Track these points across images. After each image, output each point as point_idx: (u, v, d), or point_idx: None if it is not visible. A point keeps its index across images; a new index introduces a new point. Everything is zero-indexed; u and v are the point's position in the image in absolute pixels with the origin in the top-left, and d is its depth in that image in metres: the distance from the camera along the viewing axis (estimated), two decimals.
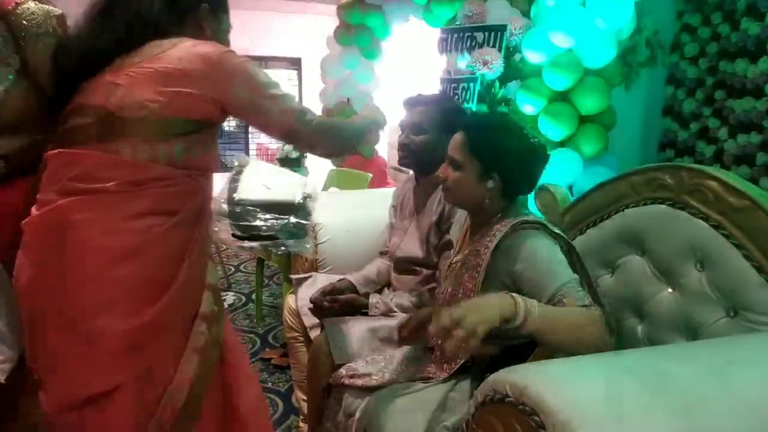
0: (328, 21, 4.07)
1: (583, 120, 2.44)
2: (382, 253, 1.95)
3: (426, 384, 1.31)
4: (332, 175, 3.69)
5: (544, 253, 1.20)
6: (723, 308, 1.19)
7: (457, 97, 2.69)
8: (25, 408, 1.13)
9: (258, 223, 2.00)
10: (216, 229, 1.97)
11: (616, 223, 1.44)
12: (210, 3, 1.21)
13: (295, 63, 6.52)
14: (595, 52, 2.29)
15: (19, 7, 1.29)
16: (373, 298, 1.74)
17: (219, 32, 1.25)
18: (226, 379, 1.23)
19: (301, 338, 1.93)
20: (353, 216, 2.21)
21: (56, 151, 1.10)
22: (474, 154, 1.29)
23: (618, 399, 0.80)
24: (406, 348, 1.51)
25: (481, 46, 2.64)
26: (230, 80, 1.11)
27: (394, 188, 2.13)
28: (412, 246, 1.76)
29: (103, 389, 1.06)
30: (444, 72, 2.90)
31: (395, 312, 1.69)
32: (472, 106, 2.65)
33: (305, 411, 1.88)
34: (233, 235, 2.03)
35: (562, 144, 2.45)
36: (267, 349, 2.82)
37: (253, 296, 3.38)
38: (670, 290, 1.31)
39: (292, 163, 4.44)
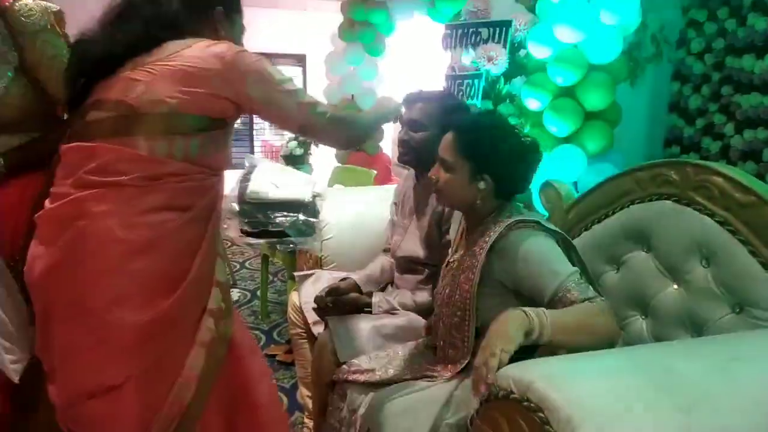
0: (332, 17, 4.06)
1: (589, 116, 2.43)
2: (386, 251, 1.95)
3: (430, 382, 1.31)
4: (336, 171, 3.69)
5: (541, 251, 1.20)
6: (728, 304, 1.19)
7: (461, 93, 2.68)
8: (46, 403, 1.14)
9: (267, 219, 2.04)
10: (225, 226, 2.00)
11: (621, 220, 1.44)
12: (224, 5, 1.24)
13: (299, 60, 6.52)
14: (601, 48, 2.28)
15: (17, 4, 1.29)
16: (376, 297, 1.74)
17: (233, 33, 1.27)
18: (236, 375, 1.24)
19: (305, 335, 1.93)
20: (357, 213, 2.21)
21: (73, 144, 1.11)
22: (464, 155, 1.28)
23: (623, 395, 0.80)
24: (409, 345, 1.51)
25: (485, 41, 2.63)
26: (245, 79, 1.14)
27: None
28: (412, 245, 1.76)
29: (113, 382, 1.07)
30: (448, 68, 2.89)
31: (398, 310, 1.69)
32: (477, 102, 2.65)
33: (310, 407, 1.89)
34: (242, 230, 2.08)
35: (567, 140, 2.44)
36: (272, 346, 2.83)
37: (258, 293, 3.39)
38: (675, 286, 1.31)
39: (297, 160, 4.44)
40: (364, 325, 1.61)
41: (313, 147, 4.51)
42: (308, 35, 5.85)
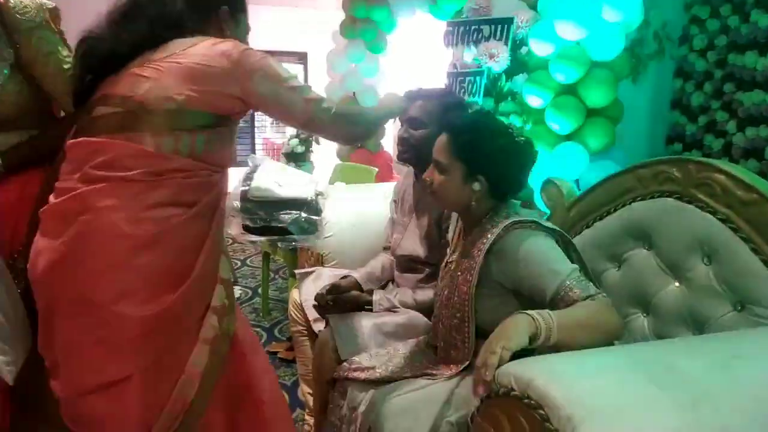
0: (334, 15, 4.06)
1: (590, 113, 2.42)
2: (386, 249, 1.95)
3: (431, 381, 1.31)
4: (338, 169, 3.68)
5: (541, 251, 1.20)
6: (730, 302, 1.19)
7: (463, 90, 2.68)
8: (50, 400, 1.14)
9: (270, 217, 2.07)
10: (227, 223, 2.01)
11: (623, 217, 1.44)
12: (229, 4, 1.25)
13: (301, 57, 6.52)
14: (603, 45, 2.27)
15: (12, 1, 1.29)
16: (377, 295, 1.73)
17: (238, 32, 1.28)
18: (239, 372, 1.24)
19: (306, 332, 1.93)
20: (358, 211, 2.21)
21: (80, 139, 1.12)
22: (458, 157, 1.28)
23: (624, 392, 0.80)
24: (410, 343, 1.51)
25: (487, 39, 2.63)
26: (251, 77, 1.14)
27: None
28: (412, 244, 1.76)
29: (116, 377, 1.08)
30: (450, 65, 2.89)
31: (398, 308, 1.69)
32: (479, 99, 2.64)
33: (311, 404, 1.89)
34: (245, 227, 2.10)
35: (568, 137, 2.44)
36: (273, 343, 2.84)
37: (259, 290, 3.40)
38: (677, 284, 1.30)
39: (298, 158, 4.44)
40: (365, 323, 1.61)
41: (314, 144, 4.51)
42: (310, 33, 5.85)
